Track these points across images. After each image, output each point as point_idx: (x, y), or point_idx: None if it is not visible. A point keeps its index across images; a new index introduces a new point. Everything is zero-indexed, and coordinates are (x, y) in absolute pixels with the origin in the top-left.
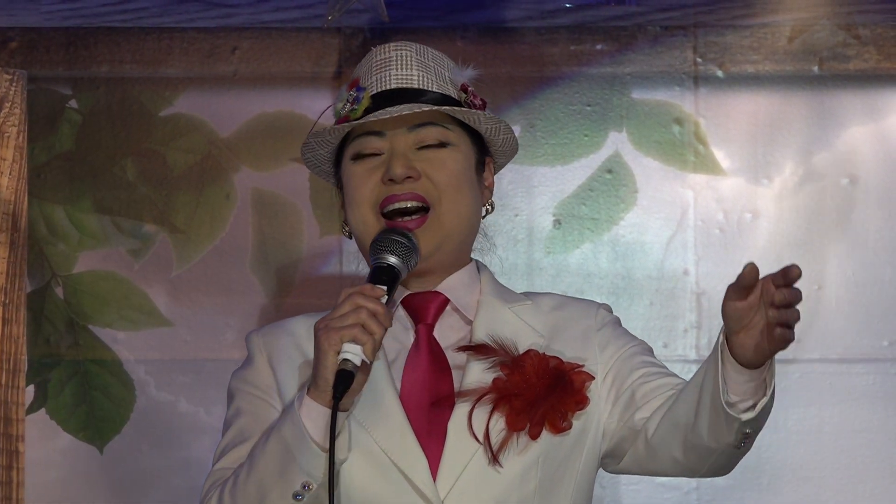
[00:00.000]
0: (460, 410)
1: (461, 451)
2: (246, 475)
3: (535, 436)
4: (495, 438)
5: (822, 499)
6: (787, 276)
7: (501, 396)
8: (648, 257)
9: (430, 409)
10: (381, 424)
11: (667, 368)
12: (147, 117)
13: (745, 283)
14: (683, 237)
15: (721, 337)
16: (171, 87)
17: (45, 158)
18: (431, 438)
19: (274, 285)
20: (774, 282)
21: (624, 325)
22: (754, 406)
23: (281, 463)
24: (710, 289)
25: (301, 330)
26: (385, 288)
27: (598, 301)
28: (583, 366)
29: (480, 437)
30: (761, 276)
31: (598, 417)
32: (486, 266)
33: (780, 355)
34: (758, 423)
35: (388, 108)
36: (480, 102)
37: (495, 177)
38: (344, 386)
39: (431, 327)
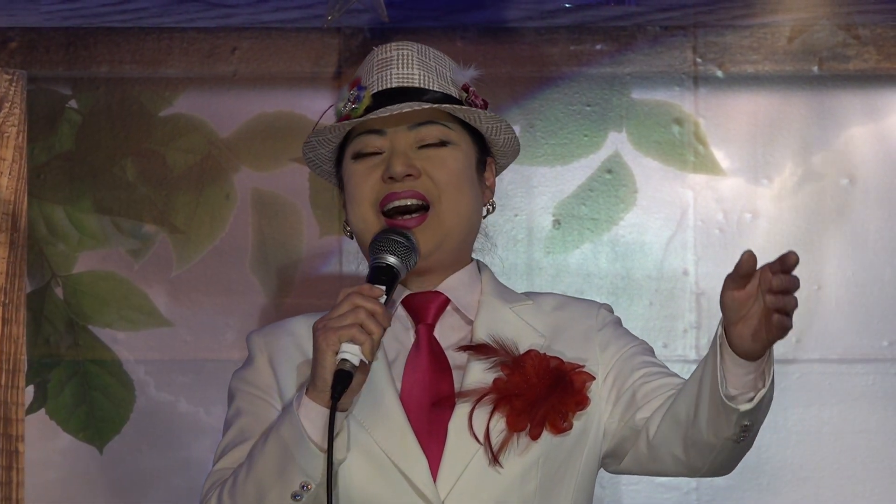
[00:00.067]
0: (461, 411)
1: (461, 452)
2: (245, 475)
3: (535, 436)
4: (496, 439)
5: (821, 499)
6: (785, 263)
7: (502, 397)
8: (648, 257)
9: (430, 410)
10: (381, 425)
11: (668, 368)
12: (147, 117)
13: (743, 271)
14: (683, 237)
15: (720, 328)
16: (171, 87)
17: (44, 158)
18: (432, 439)
19: (274, 285)
20: (772, 269)
21: (624, 325)
22: (753, 398)
23: (279, 463)
24: (710, 289)
25: (301, 330)
26: (384, 288)
27: (599, 301)
28: (583, 366)
29: (481, 438)
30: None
31: (599, 418)
32: (487, 266)
33: (779, 355)
34: (756, 415)
35: (389, 107)
36: (482, 102)
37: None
38: (342, 386)
39: (432, 327)
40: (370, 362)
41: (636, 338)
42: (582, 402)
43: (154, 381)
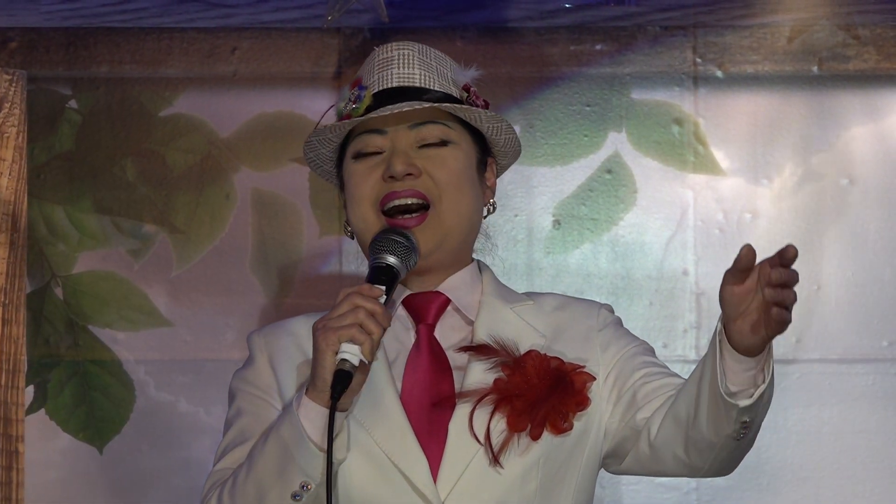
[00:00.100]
0: (461, 411)
1: (462, 452)
2: (245, 475)
3: (536, 437)
4: (496, 439)
5: (821, 499)
6: (784, 257)
7: (502, 397)
8: (648, 257)
9: (430, 410)
10: (381, 425)
11: (668, 368)
12: (147, 117)
13: (742, 266)
14: (683, 237)
15: (719, 325)
16: (171, 87)
17: (44, 158)
18: (432, 439)
19: (274, 285)
20: (771, 263)
21: (624, 325)
22: (753, 394)
23: (279, 463)
24: (710, 289)
25: (302, 330)
26: (383, 288)
27: (600, 301)
28: (584, 366)
29: (481, 438)
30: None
31: (600, 418)
32: (487, 266)
33: (779, 355)
34: (756, 411)
35: (390, 106)
36: (483, 103)
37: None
38: (342, 386)
39: (432, 327)
40: (370, 362)
41: (637, 338)
42: (582, 402)
43: (154, 381)
